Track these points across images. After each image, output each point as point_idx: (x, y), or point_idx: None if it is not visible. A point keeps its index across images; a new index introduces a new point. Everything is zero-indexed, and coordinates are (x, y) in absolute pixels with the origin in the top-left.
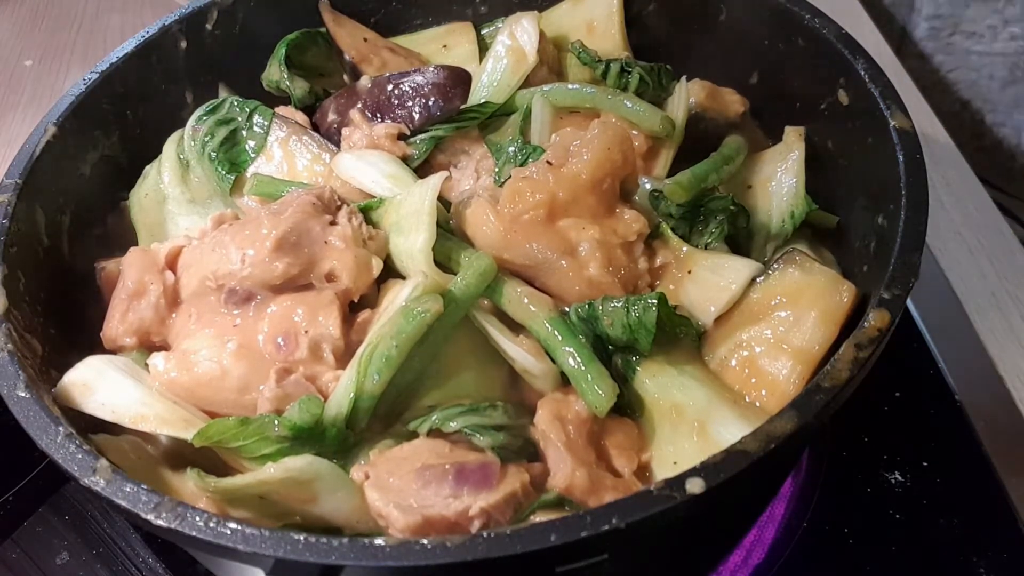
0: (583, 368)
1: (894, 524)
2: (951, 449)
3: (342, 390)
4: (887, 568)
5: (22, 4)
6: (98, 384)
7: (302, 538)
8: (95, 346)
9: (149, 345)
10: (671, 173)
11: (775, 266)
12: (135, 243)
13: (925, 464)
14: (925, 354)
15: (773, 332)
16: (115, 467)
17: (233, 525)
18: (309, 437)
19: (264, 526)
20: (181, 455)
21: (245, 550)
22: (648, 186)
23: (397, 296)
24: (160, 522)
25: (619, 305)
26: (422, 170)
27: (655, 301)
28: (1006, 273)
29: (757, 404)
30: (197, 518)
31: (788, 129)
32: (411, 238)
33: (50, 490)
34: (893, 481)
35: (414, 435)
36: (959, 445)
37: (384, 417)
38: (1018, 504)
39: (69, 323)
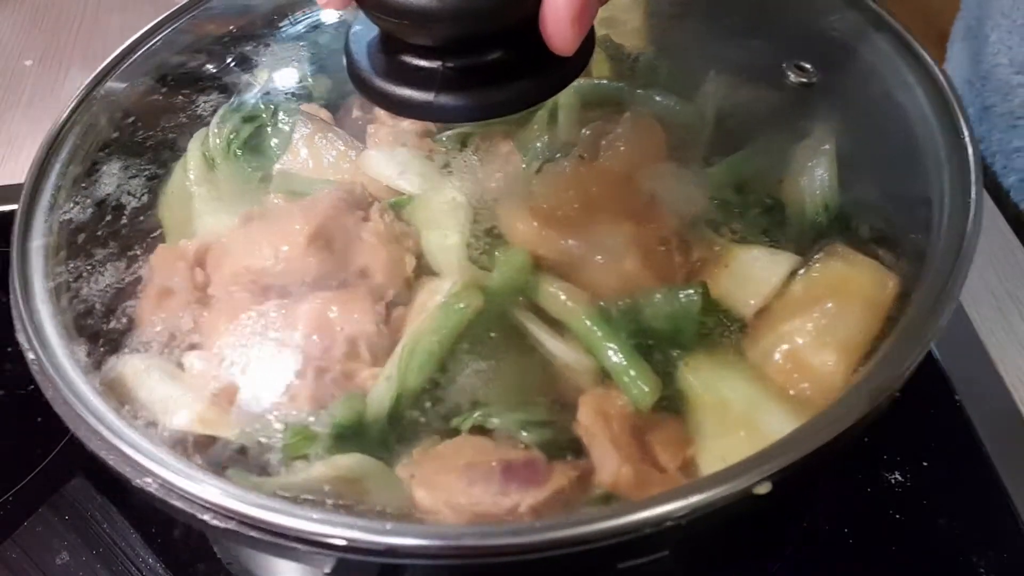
0: (625, 363)
1: (894, 524)
2: (951, 449)
3: (383, 387)
4: (887, 568)
5: (22, 3)
6: (135, 383)
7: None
8: (129, 346)
9: (182, 343)
10: (701, 165)
11: (816, 258)
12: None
13: (925, 464)
14: (925, 354)
15: (815, 325)
16: None
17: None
18: (351, 435)
19: None
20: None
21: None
22: (680, 179)
23: (435, 292)
24: (217, 522)
25: (661, 297)
26: (449, 167)
27: (699, 290)
28: (1006, 273)
29: (801, 397)
30: None
31: (819, 124)
32: (444, 235)
33: (50, 490)
34: (893, 481)
35: (455, 432)
36: (959, 445)
37: (424, 414)
38: (1018, 504)
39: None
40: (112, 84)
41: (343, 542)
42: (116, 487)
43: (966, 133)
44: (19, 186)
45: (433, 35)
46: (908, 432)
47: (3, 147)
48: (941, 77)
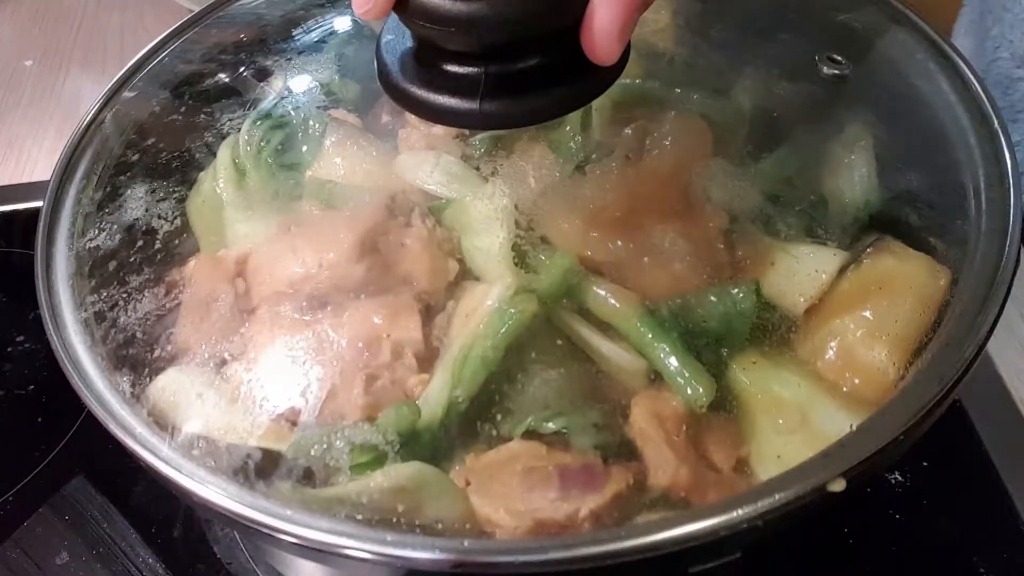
0: (679, 364)
1: (894, 524)
2: (951, 449)
3: (435, 394)
4: (887, 568)
5: (22, 3)
6: (181, 397)
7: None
8: (172, 358)
9: (224, 354)
10: (743, 163)
11: (866, 253)
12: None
13: (925, 464)
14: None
15: (867, 320)
16: None
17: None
18: (404, 443)
19: None
20: None
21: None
22: (723, 177)
23: (483, 297)
24: (286, 539)
25: (713, 296)
26: (485, 170)
27: (751, 289)
28: None
29: (855, 394)
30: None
31: (853, 118)
32: (488, 239)
33: (50, 490)
34: (893, 481)
35: (508, 438)
36: (959, 445)
37: (477, 420)
38: (1019, 504)
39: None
40: (127, 95)
41: (417, 561)
42: (116, 487)
43: (995, 120)
44: (19, 186)
45: (478, 41)
46: None
47: (3, 148)
48: (964, 67)
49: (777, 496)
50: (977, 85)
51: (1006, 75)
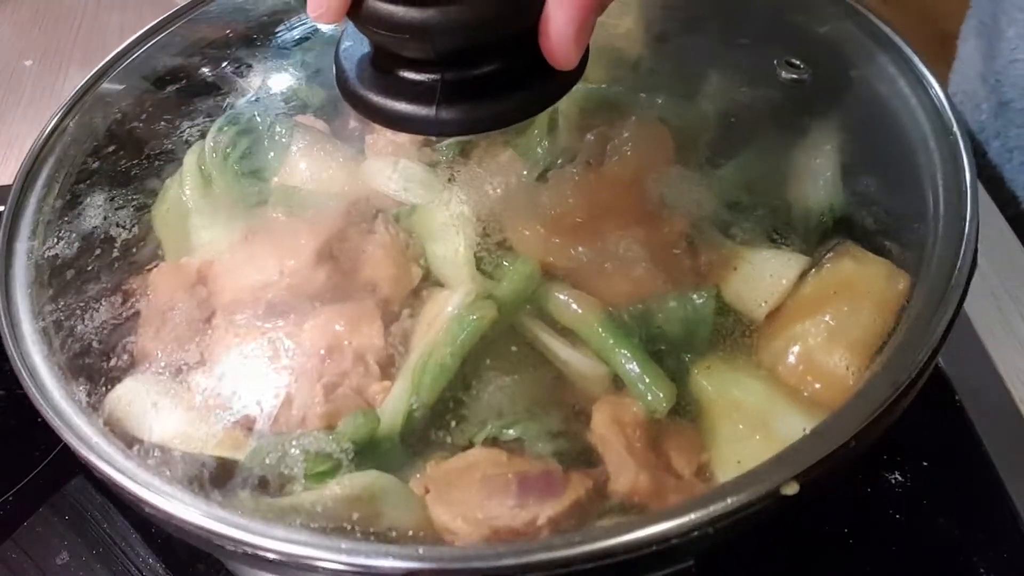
0: (639, 370)
1: (894, 524)
2: (951, 449)
3: (394, 401)
4: (887, 568)
5: (22, 3)
6: (138, 405)
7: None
8: (129, 367)
9: (182, 363)
10: (705, 168)
11: (827, 258)
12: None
13: (925, 464)
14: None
15: (827, 325)
16: None
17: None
18: (363, 451)
19: None
20: None
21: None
22: (685, 182)
23: (445, 304)
24: (234, 549)
25: (674, 302)
26: (451, 176)
27: (712, 293)
28: (1006, 273)
29: (815, 398)
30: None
31: (817, 123)
32: (450, 245)
33: (50, 490)
34: (893, 481)
35: (468, 445)
36: (959, 445)
37: (437, 428)
38: (1018, 504)
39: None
40: (92, 98)
41: (372, 568)
42: None
43: (955, 124)
44: None
45: (432, 48)
46: (908, 432)
47: (3, 148)
48: (926, 71)
49: (729, 500)
50: (938, 89)
51: (1023, 76)
